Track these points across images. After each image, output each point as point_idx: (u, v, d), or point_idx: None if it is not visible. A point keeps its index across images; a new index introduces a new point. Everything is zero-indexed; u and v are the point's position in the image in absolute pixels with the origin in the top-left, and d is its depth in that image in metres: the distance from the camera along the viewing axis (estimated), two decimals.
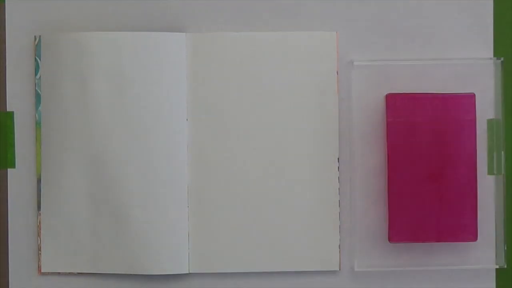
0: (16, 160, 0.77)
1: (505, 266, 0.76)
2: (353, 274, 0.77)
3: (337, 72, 0.76)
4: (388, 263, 0.76)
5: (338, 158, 0.76)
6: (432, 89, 0.75)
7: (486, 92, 0.76)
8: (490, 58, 0.76)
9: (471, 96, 0.75)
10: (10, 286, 0.77)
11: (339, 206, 0.76)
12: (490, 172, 0.76)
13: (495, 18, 0.77)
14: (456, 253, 0.77)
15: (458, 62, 0.76)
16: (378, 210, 0.76)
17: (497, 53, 0.77)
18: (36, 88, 0.76)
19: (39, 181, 0.76)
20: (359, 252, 0.77)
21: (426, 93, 0.75)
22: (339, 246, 0.76)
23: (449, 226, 0.75)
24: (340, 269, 0.77)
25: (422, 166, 0.74)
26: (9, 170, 0.77)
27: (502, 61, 0.75)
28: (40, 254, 0.77)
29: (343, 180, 0.77)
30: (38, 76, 0.76)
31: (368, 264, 0.77)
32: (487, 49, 0.77)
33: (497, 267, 0.76)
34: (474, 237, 0.75)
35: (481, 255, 0.76)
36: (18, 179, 0.77)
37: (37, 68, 0.76)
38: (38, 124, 0.76)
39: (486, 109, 0.76)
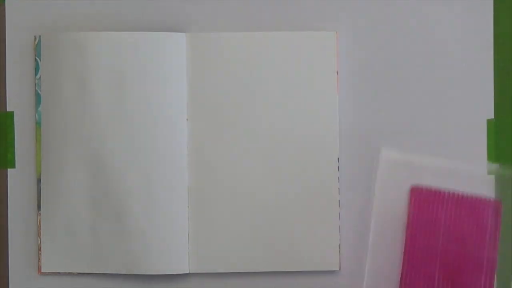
0: (16, 160, 0.77)
1: None
2: (353, 274, 0.77)
3: (337, 72, 0.76)
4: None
5: (338, 158, 0.76)
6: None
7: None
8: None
9: (498, 203, 0.74)
10: (10, 286, 0.77)
11: (339, 206, 0.76)
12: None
13: (495, 17, 0.77)
14: None
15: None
16: None
17: (497, 54, 0.77)
18: (36, 88, 0.76)
19: (39, 181, 0.76)
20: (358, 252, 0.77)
21: (453, 192, 0.74)
22: (339, 246, 0.76)
23: None
24: (340, 269, 0.77)
25: (438, 267, 0.74)
26: (9, 170, 0.77)
27: None
28: (40, 254, 0.77)
29: (343, 180, 0.77)
30: (38, 76, 0.76)
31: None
32: (487, 49, 0.77)
33: None
34: None
35: None
36: (18, 179, 0.77)
37: (37, 68, 0.76)
38: (38, 124, 0.76)
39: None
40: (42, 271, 0.77)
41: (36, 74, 0.76)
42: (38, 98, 0.76)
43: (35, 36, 0.76)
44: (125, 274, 0.76)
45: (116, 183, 0.75)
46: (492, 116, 0.76)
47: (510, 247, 0.75)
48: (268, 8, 0.77)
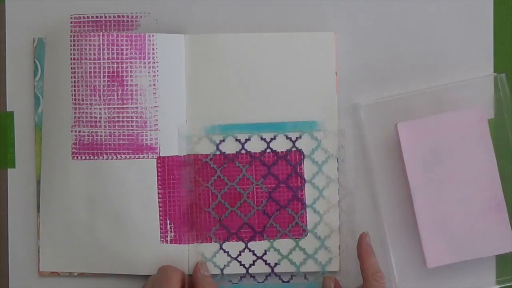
0: (16, 160, 0.77)
1: None
2: (353, 275, 0.77)
3: (336, 73, 0.76)
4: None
5: (337, 159, 0.76)
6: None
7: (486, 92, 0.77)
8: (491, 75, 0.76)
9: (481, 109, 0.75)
10: (10, 287, 0.77)
11: (338, 207, 0.76)
12: None
13: (495, 17, 0.77)
14: None
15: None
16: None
17: (497, 54, 0.77)
18: (35, 91, 0.77)
19: (39, 182, 0.77)
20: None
21: (434, 115, 0.75)
22: (339, 247, 0.76)
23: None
24: (340, 270, 0.76)
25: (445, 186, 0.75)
26: (9, 170, 0.77)
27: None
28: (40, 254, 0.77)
29: (342, 181, 0.76)
30: (37, 79, 0.77)
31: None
32: (487, 49, 0.77)
33: None
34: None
35: None
36: (18, 179, 0.77)
37: (35, 71, 0.77)
38: (37, 126, 0.77)
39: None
40: (41, 270, 0.77)
41: (35, 76, 0.77)
42: (37, 100, 0.77)
43: (34, 38, 0.77)
44: (124, 275, 0.76)
45: (115, 184, 0.75)
46: (492, 116, 0.76)
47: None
48: (267, 9, 0.77)
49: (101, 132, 0.75)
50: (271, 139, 0.76)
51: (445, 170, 0.74)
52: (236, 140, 0.76)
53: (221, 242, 0.76)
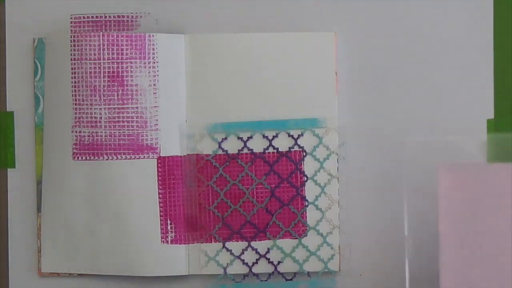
0: (16, 160, 0.77)
1: None
2: (352, 276, 0.77)
3: (336, 73, 0.76)
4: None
5: (337, 159, 0.76)
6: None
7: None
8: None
9: None
10: (9, 287, 0.77)
11: (338, 207, 0.76)
12: None
13: (495, 17, 0.77)
14: None
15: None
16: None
17: (497, 54, 0.77)
18: (35, 91, 0.77)
19: (39, 182, 0.77)
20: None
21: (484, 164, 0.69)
22: (339, 247, 0.76)
23: None
24: (340, 270, 0.76)
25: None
26: (9, 170, 0.77)
27: None
28: (40, 255, 0.77)
29: (342, 181, 0.76)
30: (37, 79, 0.77)
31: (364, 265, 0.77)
32: (487, 49, 0.77)
33: None
34: None
35: None
36: (18, 179, 0.77)
37: (35, 71, 0.77)
38: (38, 127, 0.77)
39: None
40: (42, 271, 0.77)
41: (35, 76, 0.77)
42: (37, 100, 0.77)
43: (34, 38, 0.77)
44: (124, 276, 0.76)
45: (116, 184, 0.75)
46: (492, 116, 0.76)
47: None
48: (267, 9, 0.77)
49: (102, 132, 0.75)
50: (273, 137, 0.76)
51: (483, 227, 0.65)
52: (238, 138, 0.76)
53: (223, 241, 0.76)
